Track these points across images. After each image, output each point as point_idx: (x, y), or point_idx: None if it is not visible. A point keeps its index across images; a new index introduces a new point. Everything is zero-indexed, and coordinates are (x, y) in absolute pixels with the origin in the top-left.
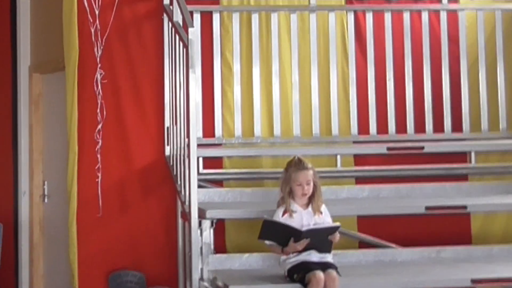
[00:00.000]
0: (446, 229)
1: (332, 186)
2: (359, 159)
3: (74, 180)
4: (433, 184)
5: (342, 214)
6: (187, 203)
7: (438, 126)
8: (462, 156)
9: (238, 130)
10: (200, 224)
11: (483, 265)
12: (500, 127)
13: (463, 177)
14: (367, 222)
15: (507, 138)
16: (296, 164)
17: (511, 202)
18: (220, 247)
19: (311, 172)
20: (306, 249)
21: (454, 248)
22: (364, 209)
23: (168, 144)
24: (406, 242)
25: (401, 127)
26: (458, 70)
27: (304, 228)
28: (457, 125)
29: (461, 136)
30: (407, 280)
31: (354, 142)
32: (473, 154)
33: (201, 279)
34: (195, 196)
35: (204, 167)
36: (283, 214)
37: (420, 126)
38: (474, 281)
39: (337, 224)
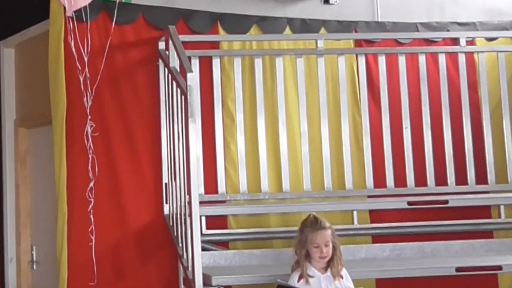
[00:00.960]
0: None
1: (348, 246)
2: (375, 215)
3: (64, 244)
4: (460, 242)
5: (362, 277)
6: (190, 268)
7: (461, 177)
8: (485, 210)
9: (243, 185)
10: None
11: None
12: None
13: (487, 233)
14: (386, 284)
15: None
16: (312, 224)
17: None
18: None
19: (329, 232)
20: None
21: None
22: (387, 272)
23: (167, 202)
24: None
25: (420, 179)
26: (479, 116)
27: None
28: (481, 176)
29: (486, 188)
30: None
31: (369, 196)
32: (502, 208)
33: None
34: (199, 260)
35: (207, 227)
36: (298, 280)
37: (441, 178)
38: None
39: None
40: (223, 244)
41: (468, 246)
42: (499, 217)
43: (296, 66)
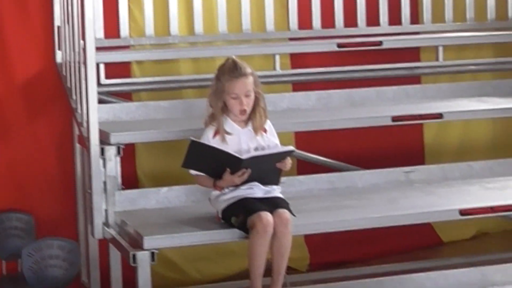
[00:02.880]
0: (396, 141)
1: (268, 94)
2: (297, 59)
3: None
4: (393, 88)
5: (284, 130)
6: (84, 124)
7: (394, 17)
8: (412, 52)
9: (149, 27)
10: (102, 151)
11: (465, 188)
12: (467, 16)
13: (414, 77)
14: (305, 137)
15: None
16: (231, 70)
17: (496, 108)
18: (130, 180)
19: (251, 79)
20: (246, 181)
21: (426, 167)
22: (314, 124)
23: (59, 49)
24: (344, 159)
25: (350, 19)
26: None
27: (245, 156)
28: (414, 16)
29: (421, 28)
30: (378, 216)
31: (291, 39)
32: (440, 49)
33: (106, 224)
34: (95, 114)
35: (107, 77)
36: (214, 136)
37: (372, 18)
38: (463, 212)
39: (290, 147)
40: (125, 96)
41: (402, 92)
42: (436, 59)
43: None
